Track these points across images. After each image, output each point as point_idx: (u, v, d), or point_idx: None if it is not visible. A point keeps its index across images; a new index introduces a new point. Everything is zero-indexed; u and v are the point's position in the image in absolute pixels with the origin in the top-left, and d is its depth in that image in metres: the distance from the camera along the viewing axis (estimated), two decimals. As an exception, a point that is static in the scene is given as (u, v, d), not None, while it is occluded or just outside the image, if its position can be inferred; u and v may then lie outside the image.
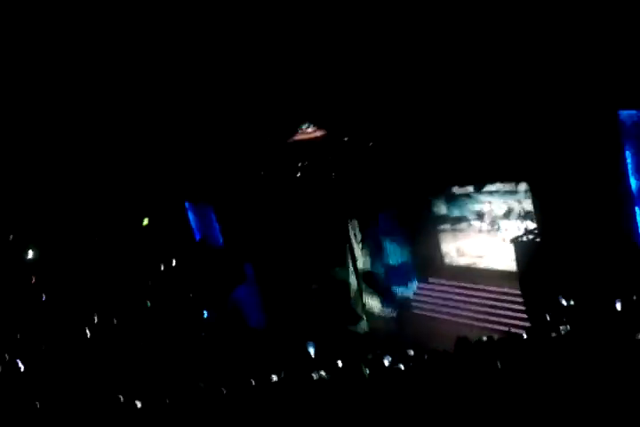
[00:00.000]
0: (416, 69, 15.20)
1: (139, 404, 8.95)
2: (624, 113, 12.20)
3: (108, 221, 18.84)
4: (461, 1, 13.94)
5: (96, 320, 14.67)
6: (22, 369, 11.65)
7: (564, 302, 11.10)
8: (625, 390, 6.47)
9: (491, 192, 16.57)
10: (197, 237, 19.85)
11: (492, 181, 16.05)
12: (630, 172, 12.66)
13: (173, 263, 18.04)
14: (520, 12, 13.11)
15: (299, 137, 17.92)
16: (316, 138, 17.79)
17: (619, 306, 9.92)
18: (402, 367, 9.00)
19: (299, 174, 18.18)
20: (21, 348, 12.73)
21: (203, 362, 12.77)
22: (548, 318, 10.64)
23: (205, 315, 15.38)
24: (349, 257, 17.33)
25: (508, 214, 16.36)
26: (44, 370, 11.71)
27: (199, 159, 18.76)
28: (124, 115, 18.49)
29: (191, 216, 20.10)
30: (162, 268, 16.94)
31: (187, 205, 20.01)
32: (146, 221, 19.17)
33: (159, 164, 19.03)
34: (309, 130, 17.88)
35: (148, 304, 15.00)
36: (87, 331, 13.99)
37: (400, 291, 17.72)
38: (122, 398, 9.48)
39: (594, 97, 12.34)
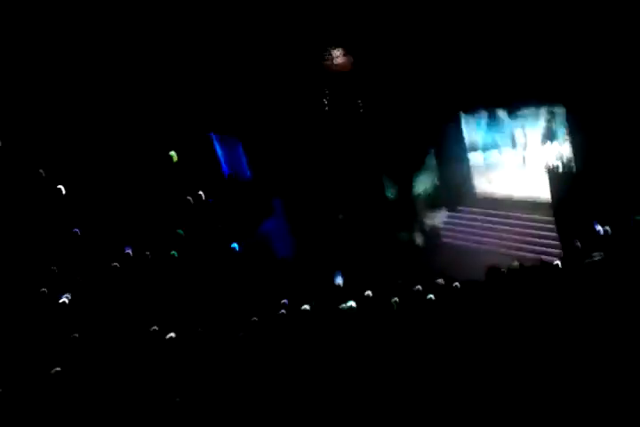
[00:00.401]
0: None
1: (172, 334, 9.18)
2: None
3: (134, 151, 18.79)
4: None
5: (130, 253, 14.97)
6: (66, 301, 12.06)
7: (599, 229, 10.85)
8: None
9: (525, 116, 15.97)
10: (225, 170, 19.74)
11: (528, 104, 15.35)
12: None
13: (202, 197, 18.09)
14: None
15: (328, 64, 17.37)
16: (344, 66, 17.23)
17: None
18: (432, 297, 8.99)
19: (326, 107, 17.73)
20: (58, 282, 13.08)
21: (233, 292, 13.00)
22: (580, 246, 10.45)
23: (236, 248, 15.53)
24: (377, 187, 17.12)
25: (542, 141, 15.82)
26: (80, 303, 12.05)
27: (225, 88, 18.36)
28: (149, 43, 18.04)
29: (218, 148, 19.91)
30: (191, 201, 16.99)
31: (213, 136, 19.76)
32: (175, 157, 19.06)
33: (184, 93, 18.70)
34: (338, 56, 17.28)
35: (181, 232, 15.15)
36: (119, 263, 14.29)
37: (430, 220, 17.55)
38: (156, 328, 9.75)
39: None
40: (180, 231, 15.97)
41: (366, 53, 16.99)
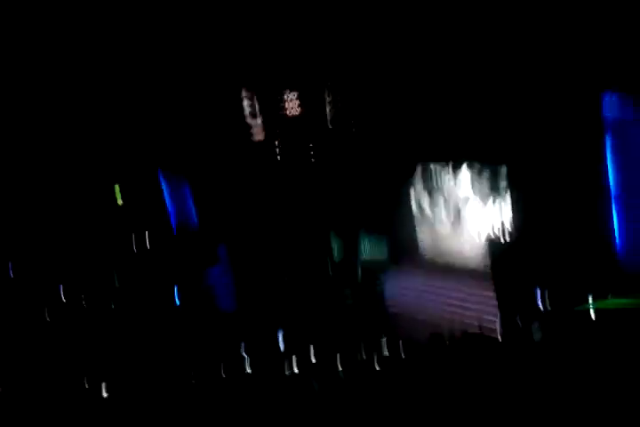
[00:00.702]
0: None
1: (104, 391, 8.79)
2: (606, 99, 12.05)
3: (78, 188, 18.21)
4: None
5: (63, 297, 14.36)
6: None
7: (540, 306, 11.15)
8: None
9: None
10: (170, 210, 19.28)
11: (471, 161, 15.69)
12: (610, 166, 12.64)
13: (146, 240, 17.61)
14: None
15: (282, 110, 17.63)
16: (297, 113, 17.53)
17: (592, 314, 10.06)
18: (376, 367, 8.99)
19: (278, 156, 17.82)
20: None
21: (172, 344, 12.57)
22: (520, 323, 10.69)
23: (176, 300, 15.13)
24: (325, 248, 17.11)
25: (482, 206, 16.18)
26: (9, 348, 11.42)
27: (175, 126, 18.18)
28: (100, 81, 17.83)
29: (165, 188, 19.48)
30: (134, 244, 16.55)
31: (160, 174, 19.35)
32: (120, 201, 18.57)
33: (134, 128, 18.40)
34: (291, 101, 17.57)
35: (116, 284, 14.68)
36: (51, 309, 13.66)
37: (374, 283, 17.67)
38: (86, 384, 9.30)
39: (579, 80, 12.21)
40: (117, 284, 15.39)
41: (321, 100, 17.35)
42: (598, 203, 12.90)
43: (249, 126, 18.40)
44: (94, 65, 17.30)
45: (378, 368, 8.94)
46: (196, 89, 17.79)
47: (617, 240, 12.88)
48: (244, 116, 18.28)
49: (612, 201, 12.79)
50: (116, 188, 19.32)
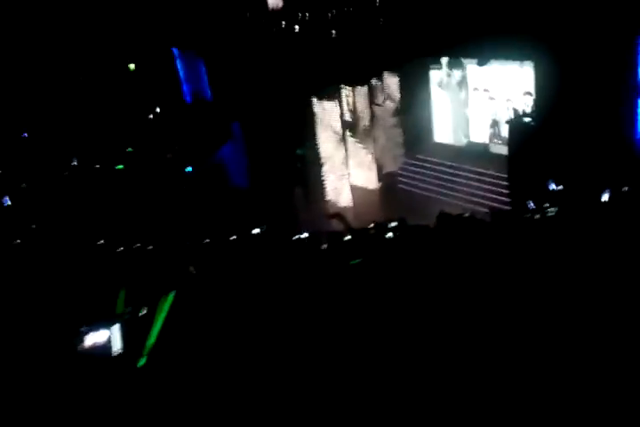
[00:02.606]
0: None
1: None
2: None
3: (94, 64, 17.89)
4: None
5: (76, 163, 14.46)
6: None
7: (552, 187, 11.06)
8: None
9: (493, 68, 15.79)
10: (185, 88, 18.95)
11: (497, 57, 15.14)
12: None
13: (157, 111, 17.43)
14: None
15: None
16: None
17: (606, 196, 9.93)
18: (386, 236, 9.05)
19: (297, 29, 16.98)
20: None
21: (183, 215, 12.80)
22: (532, 204, 10.63)
23: (189, 169, 15.19)
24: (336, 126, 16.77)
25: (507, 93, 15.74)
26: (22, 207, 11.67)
27: (191, 2, 17.38)
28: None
29: (180, 65, 19.01)
30: (149, 116, 16.39)
31: (175, 52, 18.81)
32: (132, 66, 18.17)
33: (150, 4, 17.66)
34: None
35: (129, 149, 14.67)
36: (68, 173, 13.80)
37: (386, 164, 17.57)
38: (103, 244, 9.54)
39: None
40: (130, 149, 15.44)
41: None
42: (623, 98, 12.46)
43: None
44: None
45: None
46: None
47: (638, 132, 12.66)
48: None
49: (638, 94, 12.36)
50: (131, 65, 18.95)
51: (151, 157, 15.24)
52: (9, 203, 11.97)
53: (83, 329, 5.57)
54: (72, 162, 14.60)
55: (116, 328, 5.66)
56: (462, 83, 16.70)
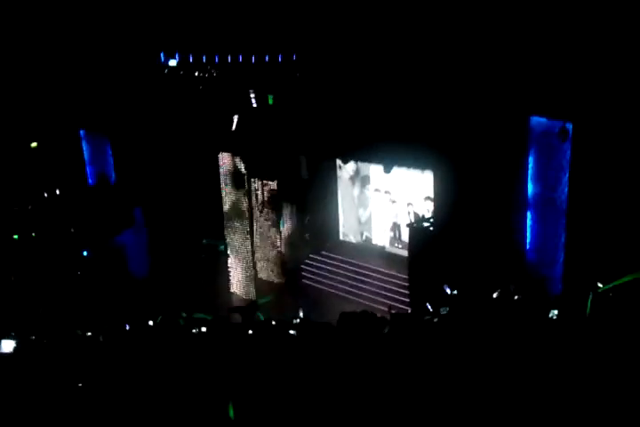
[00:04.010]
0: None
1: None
2: (535, 120, 12.61)
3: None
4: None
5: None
6: None
7: (447, 291, 11.46)
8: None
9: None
10: (89, 170, 18.51)
11: (399, 163, 15.94)
12: (530, 177, 13.18)
13: (54, 195, 16.78)
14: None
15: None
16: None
17: (495, 295, 10.46)
18: (291, 333, 8.91)
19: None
20: None
21: (77, 302, 12.02)
22: (429, 307, 10.92)
23: (85, 253, 14.47)
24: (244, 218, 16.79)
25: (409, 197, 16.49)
26: None
27: (100, 83, 17.45)
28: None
29: (85, 146, 18.69)
30: (45, 196, 15.70)
31: (81, 133, 18.56)
32: (34, 144, 17.62)
33: (58, 85, 17.56)
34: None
35: (15, 237, 13.84)
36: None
37: (291, 259, 17.66)
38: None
39: (509, 100, 12.69)
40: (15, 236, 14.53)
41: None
42: (514, 209, 13.43)
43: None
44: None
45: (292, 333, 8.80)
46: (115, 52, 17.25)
47: (527, 241, 13.56)
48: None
49: (528, 207, 13.35)
50: (33, 143, 18.44)
51: (45, 239, 14.45)
52: None
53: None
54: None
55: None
56: (364, 182, 17.42)
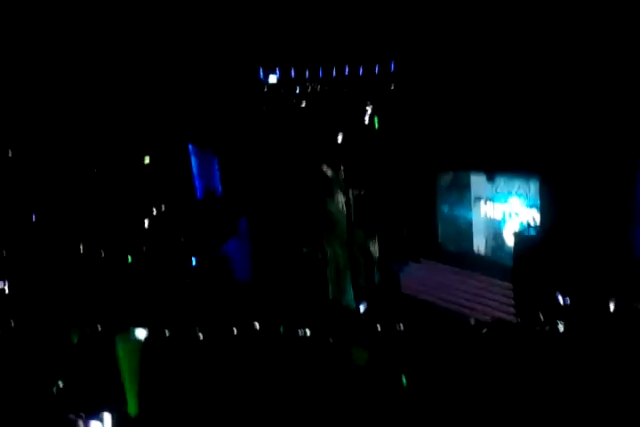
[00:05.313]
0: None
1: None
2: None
3: (111, 156, 18.57)
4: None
5: (82, 250, 14.48)
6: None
7: (560, 300, 10.98)
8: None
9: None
10: (197, 183, 19.48)
11: (504, 171, 15.60)
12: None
13: (165, 208, 17.77)
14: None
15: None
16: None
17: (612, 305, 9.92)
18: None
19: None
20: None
21: (185, 306, 12.62)
22: (542, 317, 10.52)
23: (193, 262, 15.20)
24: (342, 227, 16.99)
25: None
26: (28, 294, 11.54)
27: (207, 101, 18.39)
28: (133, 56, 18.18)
29: (194, 161, 19.67)
30: (158, 210, 16.67)
31: (190, 148, 19.58)
32: (147, 160, 18.79)
33: (168, 103, 18.68)
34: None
35: (129, 258, 14.78)
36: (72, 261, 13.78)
37: (392, 268, 17.56)
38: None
39: (624, 105, 12.14)
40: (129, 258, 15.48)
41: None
42: (628, 217, 12.79)
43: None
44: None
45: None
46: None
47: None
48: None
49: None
50: (146, 158, 19.63)
51: (158, 249, 15.37)
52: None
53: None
54: (78, 249, 14.68)
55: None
56: (464, 191, 17.14)
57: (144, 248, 15.68)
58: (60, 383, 7.10)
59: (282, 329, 9.33)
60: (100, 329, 9.12)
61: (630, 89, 12.07)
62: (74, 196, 17.06)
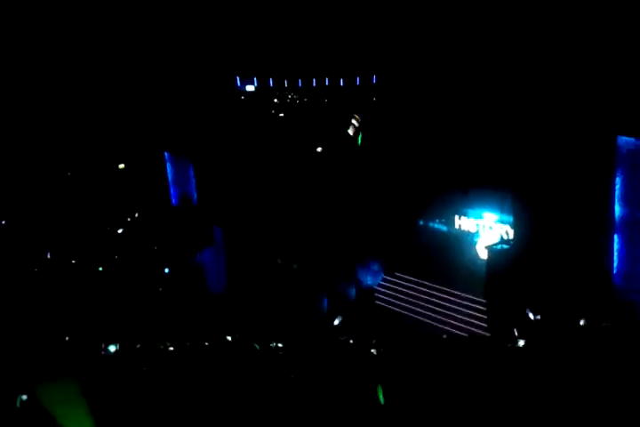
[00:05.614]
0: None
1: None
2: (622, 139, 12.14)
3: (85, 161, 18.34)
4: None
5: (49, 257, 14.21)
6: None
7: (531, 316, 11.05)
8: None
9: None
10: (172, 190, 19.27)
11: (478, 187, 15.72)
12: (617, 199, 12.64)
13: (139, 214, 17.55)
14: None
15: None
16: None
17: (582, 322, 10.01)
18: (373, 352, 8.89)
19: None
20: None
21: (156, 316, 12.43)
22: (516, 332, 10.56)
23: (166, 271, 15.00)
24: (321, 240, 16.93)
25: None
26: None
27: (183, 108, 18.28)
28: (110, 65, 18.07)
29: (169, 167, 19.47)
30: (131, 217, 16.46)
31: (166, 155, 19.38)
32: (122, 166, 18.58)
33: (143, 110, 18.53)
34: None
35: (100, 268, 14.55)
36: (39, 269, 13.50)
37: (366, 280, 17.57)
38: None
39: (595, 119, 12.32)
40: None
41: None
42: (601, 230, 12.93)
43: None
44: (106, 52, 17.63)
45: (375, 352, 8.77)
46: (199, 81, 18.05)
47: (614, 266, 12.95)
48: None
49: (615, 229, 12.81)
50: (120, 166, 19.42)
51: (130, 257, 15.12)
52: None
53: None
54: (46, 256, 14.38)
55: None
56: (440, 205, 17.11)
57: (115, 256, 15.42)
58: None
59: (257, 346, 9.24)
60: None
61: (598, 106, 12.25)
62: (45, 201, 16.78)
